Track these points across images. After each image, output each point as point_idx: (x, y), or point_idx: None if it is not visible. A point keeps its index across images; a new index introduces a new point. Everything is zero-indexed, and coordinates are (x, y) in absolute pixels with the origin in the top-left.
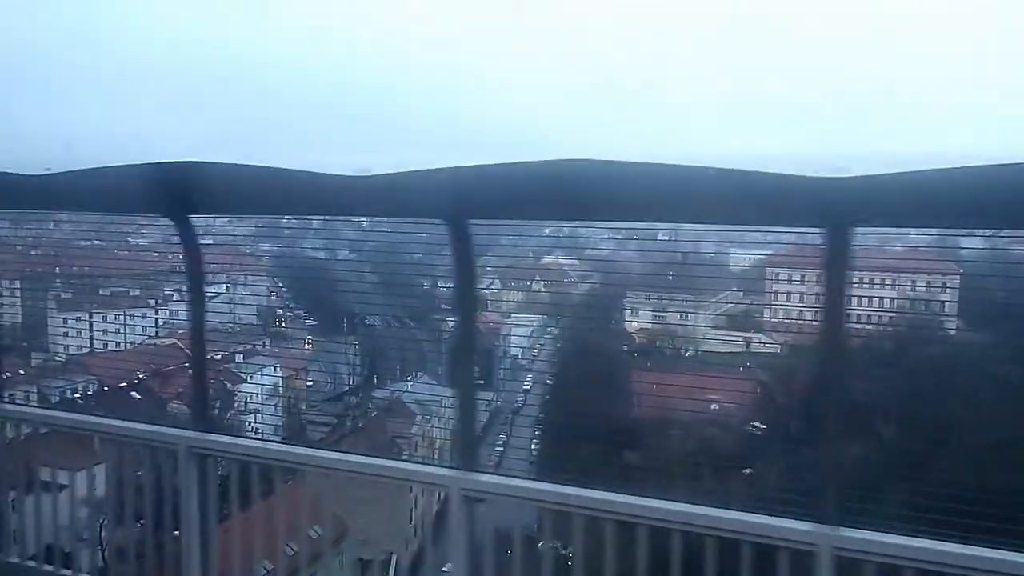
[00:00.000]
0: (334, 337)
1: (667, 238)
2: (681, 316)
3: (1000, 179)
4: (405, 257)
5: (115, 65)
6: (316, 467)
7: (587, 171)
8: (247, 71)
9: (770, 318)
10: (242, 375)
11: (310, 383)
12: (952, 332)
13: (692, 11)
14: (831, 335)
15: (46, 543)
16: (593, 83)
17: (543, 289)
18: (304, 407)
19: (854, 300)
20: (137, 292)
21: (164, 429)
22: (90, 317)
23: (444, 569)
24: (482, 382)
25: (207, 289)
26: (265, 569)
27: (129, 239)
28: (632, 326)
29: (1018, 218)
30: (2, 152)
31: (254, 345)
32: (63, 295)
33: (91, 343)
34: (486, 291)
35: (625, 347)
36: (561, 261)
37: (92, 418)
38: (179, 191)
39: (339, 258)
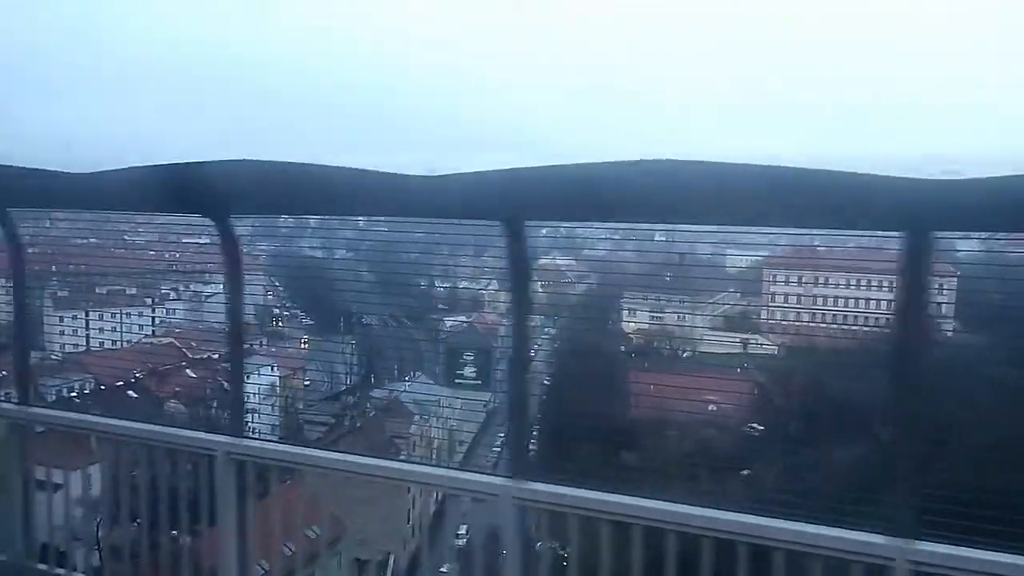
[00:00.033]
0: (331, 336)
1: (664, 239)
2: (679, 317)
3: None
4: (402, 256)
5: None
6: (360, 473)
7: (657, 171)
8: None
9: (767, 319)
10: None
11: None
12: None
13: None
14: (912, 342)
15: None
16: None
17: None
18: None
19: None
20: (134, 291)
21: (202, 435)
22: (86, 315)
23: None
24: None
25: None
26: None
27: (126, 237)
28: (629, 327)
29: None
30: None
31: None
32: (59, 293)
33: (87, 341)
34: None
35: (622, 348)
36: (558, 261)
37: (128, 423)
38: (220, 190)
39: (336, 257)
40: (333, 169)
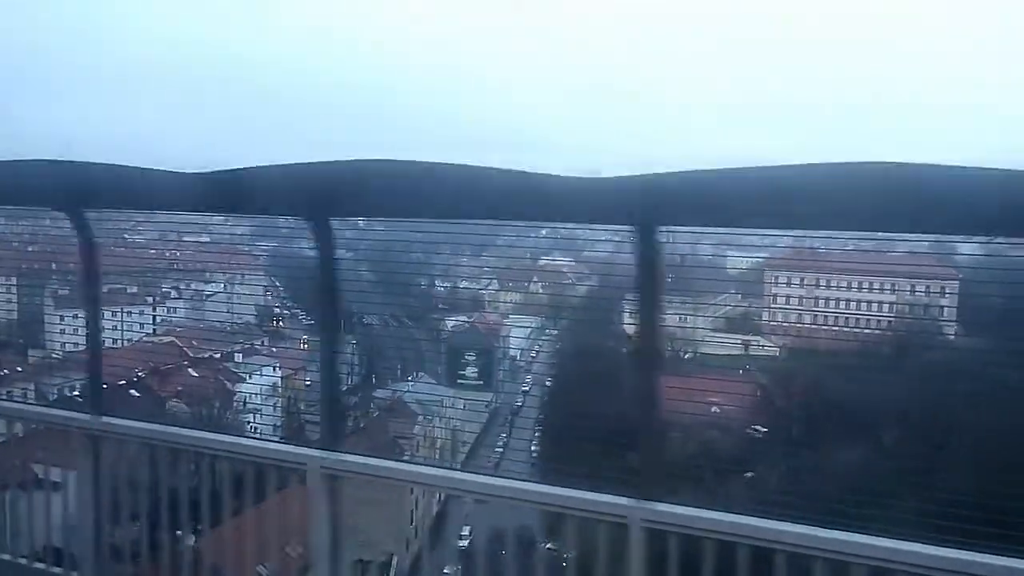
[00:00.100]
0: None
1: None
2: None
3: None
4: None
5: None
6: (462, 490)
7: (810, 175)
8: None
9: (769, 321)
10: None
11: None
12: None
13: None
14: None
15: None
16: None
17: (540, 290)
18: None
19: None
20: (135, 289)
21: (294, 448)
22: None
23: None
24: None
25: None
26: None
27: (126, 236)
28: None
29: None
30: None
31: (253, 344)
32: (60, 292)
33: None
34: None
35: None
36: (559, 262)
37: (211, 435)
38: (320, 192)
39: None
40: (456, 168)
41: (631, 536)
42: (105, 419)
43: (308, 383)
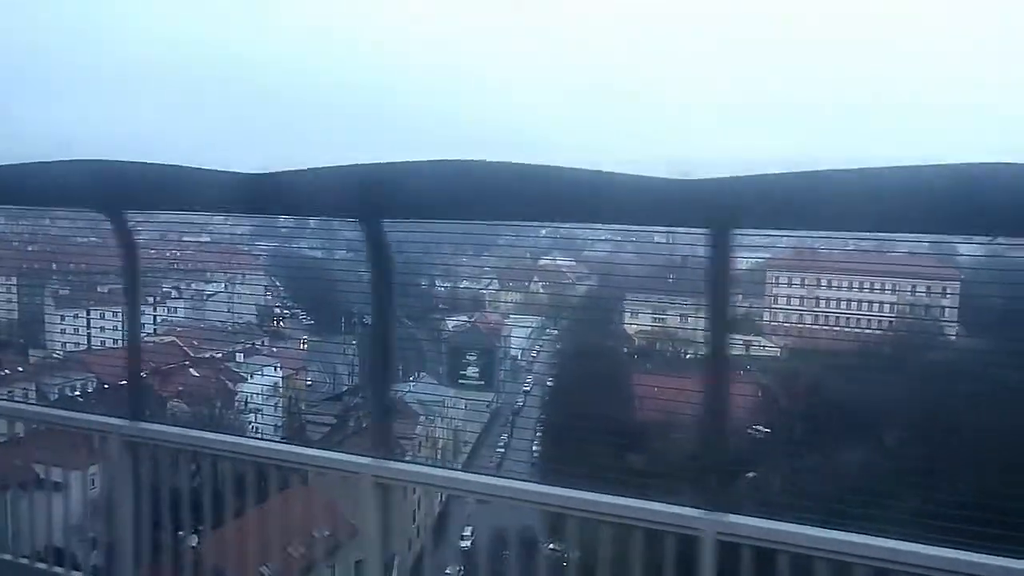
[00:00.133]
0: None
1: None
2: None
3: None
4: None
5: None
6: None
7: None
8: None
9: (770, 321)
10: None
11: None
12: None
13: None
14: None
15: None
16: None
17: (541, 290)
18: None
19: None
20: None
21: (348, 457)
22: (87, 314)
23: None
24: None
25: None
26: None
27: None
28: (632, 328)
29: None
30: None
31: (253, 344)
32: (60, 291)
33: (88, 340)
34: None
35: (625, 349)
36: (559, 262)
37: (261, 443)
38: (374, 194)
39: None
40: (522, 168)
41: (703, 551)
42: (143, 425)
43: (309, 383)
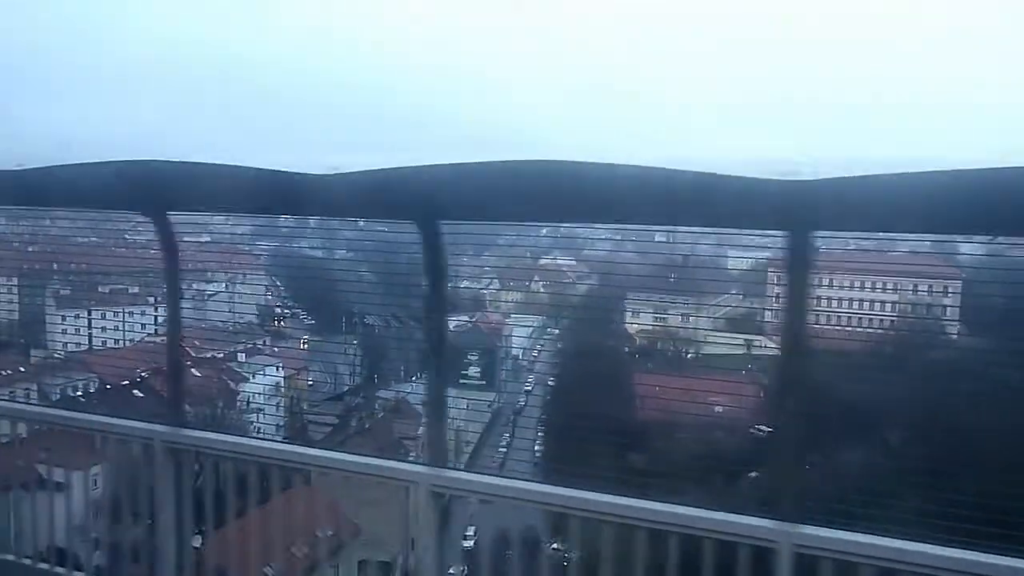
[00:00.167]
0: (333, 337)
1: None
2: (682, 318)
3: None
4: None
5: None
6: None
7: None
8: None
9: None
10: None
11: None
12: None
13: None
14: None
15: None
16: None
17: (542, 290)
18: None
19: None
20: (136, 289)
21: (402, 465)
22: (89, 314)
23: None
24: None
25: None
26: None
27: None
28: (633, 327)
29: None
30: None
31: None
32: (61, 292)
33: (90, 340)
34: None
35: (626, 348)
36: (559, 261)
37: (313, 451)
38: (429, 195)
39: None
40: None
41: (778, 564)
42: (186, 432)
43: (311, 383)
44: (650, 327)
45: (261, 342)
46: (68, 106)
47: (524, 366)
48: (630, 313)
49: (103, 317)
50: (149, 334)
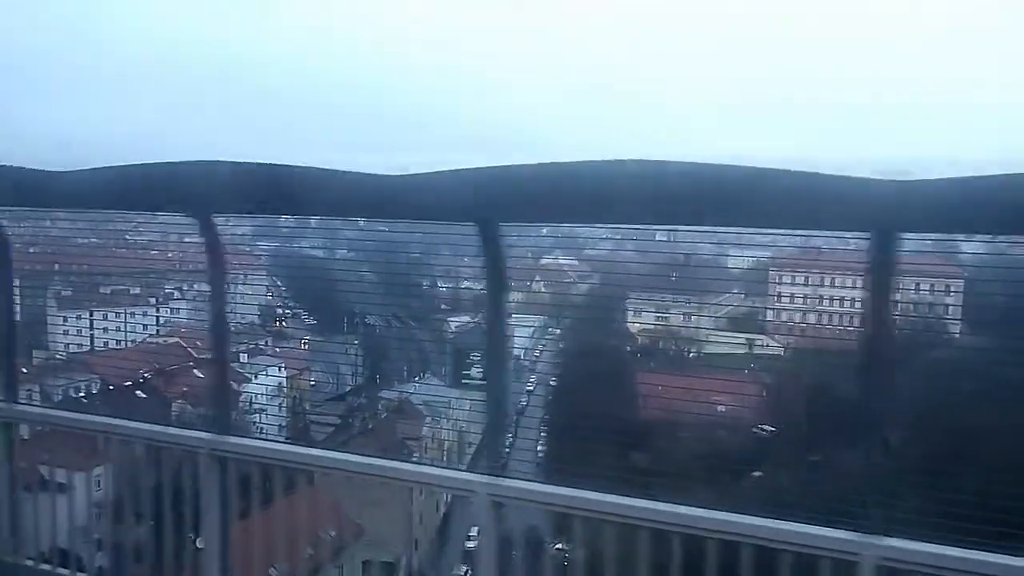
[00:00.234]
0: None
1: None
2: (684, 317)
3: None
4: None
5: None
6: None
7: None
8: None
9: (773, 320)
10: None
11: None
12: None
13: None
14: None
15: None
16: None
17: (543, 289)
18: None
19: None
20: (138, 290)
21: (459, 474)
22: (91, 315)
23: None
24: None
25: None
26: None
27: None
28: (634, 327)
29: None
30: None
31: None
32: (63, 293)
33: (92, 341)
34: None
35: (628, 348)
36: (561, 261)
37: (372, 460)
38: (490, 196)
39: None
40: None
41: None
42: (233, 439)
43: (313, 383)
44: (651, 327)
45: (263, 342)
46: (68, 106)
47: (526, 366)
48: (632, 312)
49: (105, 318)
50: (152, 335)
